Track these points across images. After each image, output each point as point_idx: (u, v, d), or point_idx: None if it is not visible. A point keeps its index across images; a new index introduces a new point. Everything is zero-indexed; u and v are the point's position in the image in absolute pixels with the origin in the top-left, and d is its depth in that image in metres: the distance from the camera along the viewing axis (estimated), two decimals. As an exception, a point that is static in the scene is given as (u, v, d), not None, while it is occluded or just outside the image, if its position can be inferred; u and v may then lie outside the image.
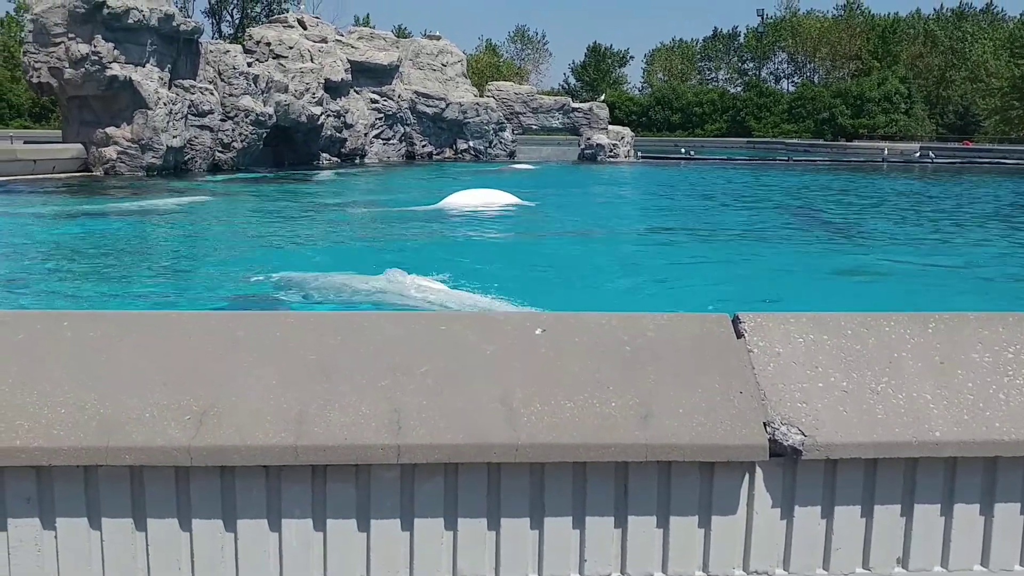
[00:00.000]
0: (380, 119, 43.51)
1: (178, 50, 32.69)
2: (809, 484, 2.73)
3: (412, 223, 20.24)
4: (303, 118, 37.12)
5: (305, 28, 41.96)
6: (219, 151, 33.76)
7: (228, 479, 2.62)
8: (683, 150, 54.28)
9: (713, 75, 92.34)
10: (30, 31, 30.50)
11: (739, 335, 2.94)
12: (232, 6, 70.65)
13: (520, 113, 49.34)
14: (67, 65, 29.51)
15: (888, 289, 13.14)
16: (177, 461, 2.55)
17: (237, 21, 69.53)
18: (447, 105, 45.77)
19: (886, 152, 53.08)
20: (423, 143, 45.82)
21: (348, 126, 40.89)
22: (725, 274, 14.16)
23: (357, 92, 42.06)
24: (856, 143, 65.22)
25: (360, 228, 20.13)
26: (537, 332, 2.92)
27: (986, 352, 2.90)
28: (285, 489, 2.63)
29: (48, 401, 2.64)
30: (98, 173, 30.37)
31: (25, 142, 33.83)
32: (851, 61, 79.75)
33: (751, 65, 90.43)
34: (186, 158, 32.46)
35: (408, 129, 45.14)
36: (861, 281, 13.84)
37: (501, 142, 47.63)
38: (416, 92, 45.16)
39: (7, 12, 65.64)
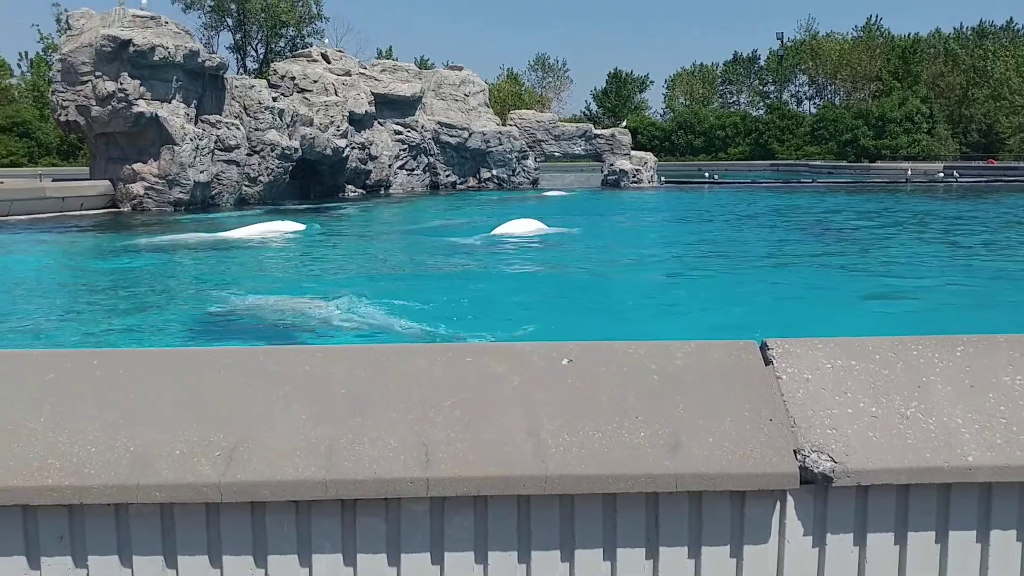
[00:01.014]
0: (404, 150, 43.83)
1: (204, 86, 33.14)
2: (841, 511, 2.70)
3: (471, 252, 20.47)
4: (328, 151, 37.47)
5: (329, 62, 42.45)
6: (246, 185, 34.12)
7: (258, 515, 2.63)
8: (707, 174, 54.23)
9: (735, 98, 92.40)
10: (58, 70, 31.09)
11: (767, 362, 2.92)
12: (256, 41, 71.61)
13: (542, 141, 49.54)
14: (94, 103, 30.01)
15: (915, 311, 13.02)
16: (207, 498, 2.57)
17: (261, 56, 70.44)
18: (470, 135, 46.05)
19: (909, 172, 52.79)
20: (447, 173, 46.08)
21: (373, 158, 41.21)
22: (753, 299, 14.09)
23: (381, 124, 42.43)
24: (879, 164, 64.89)
25: (442, 259, 20.15)
26: (564, 362, 2.92)
27: (1018, 374, 2.87)
28: (315, 524, 2.64)
29: (79, 439, 2.67)
30: (125, 209, 30.76)
31: (53, 179, 34.34)
32: (872, 82, 79.50)
33: (772, 88, 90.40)
34: (213, 193, 32.82)
35: (432, 159, 45.43)
36: (888, 304, 13.72)
37: (524, 170, 47.82)
38: (439, 122, 45.48)
39: (36, 53, 66.91)
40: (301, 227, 25.21)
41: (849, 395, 2.81)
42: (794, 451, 2.65)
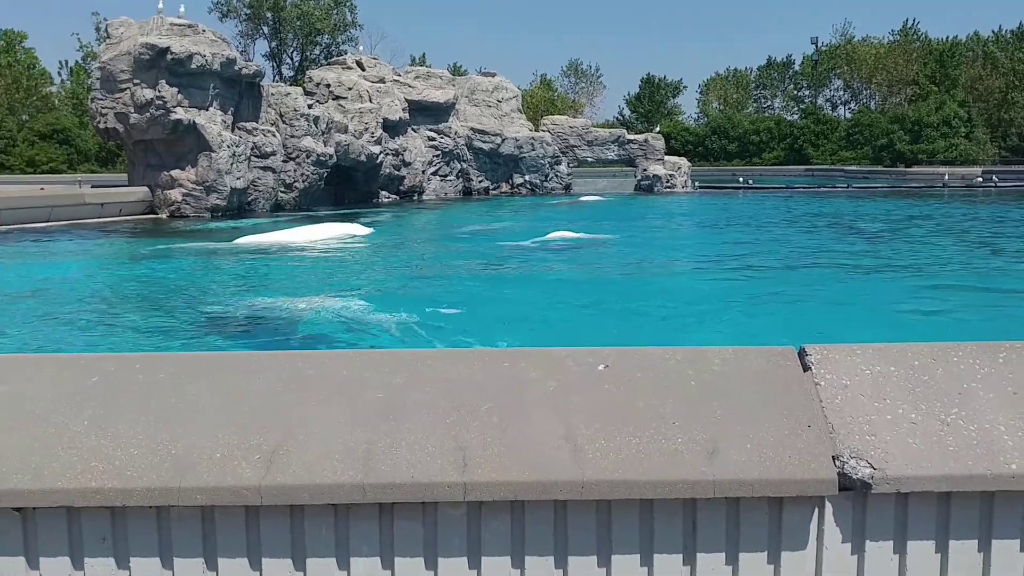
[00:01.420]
0: (437, 156, 44.01)
1: (240, 93, 33.49)
2: (880, 518, 2.67)
3: (522, 255, 20.62)
4: (363, 157, 37.71)
5: (363, 69, 42.74)
6: (281, 191, 34.42)
7: (297, 518, 2.65)
8: (741, 179, 53.88)
9: (769, 103, 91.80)
10: (97, 78, 31.55)
11: (805, 368, 2.91)
12: (292, 49, 72.30)
13: (575, 146, 49.53)
14: (132, 110, 30.42)
15: (954, 318, 12.85)
16: (247, 501, 2.60)
17: (297, 64, 71.10)
18: (503, 140, 46.14)
19: (947, 177, 52.11)
20: (479, 178, 46.21)
21: (406, 164, 41.42)
22: (790, 305, 13.99)
23: (414, 130, 42.64)
24: (915, 169, 64.14)
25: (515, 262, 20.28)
26: (600, 368, 2.92)
27: (1062, 382, 2.83)
28: (353, 527, 2.66)
29: (121, 442, 2.71)
30: (163, 215, 31.15)
31: (92, 186, 34.86)
32: (908, 86, 78.62)
33: (807, 92, 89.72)
34: (249, 199, 33.15)
35: (465, 165, 45.58)
36: (926, 310, 13.55)
37: (557, 175, 47.83)
38: (472, 128, 45.62)
39: (76, 61, 67.99)
40: (367, 231, 25.54)
41: (888, 401, 2.78)
42: (832, 457, 2.63)
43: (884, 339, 3.07)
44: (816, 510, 2.66)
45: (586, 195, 44.58)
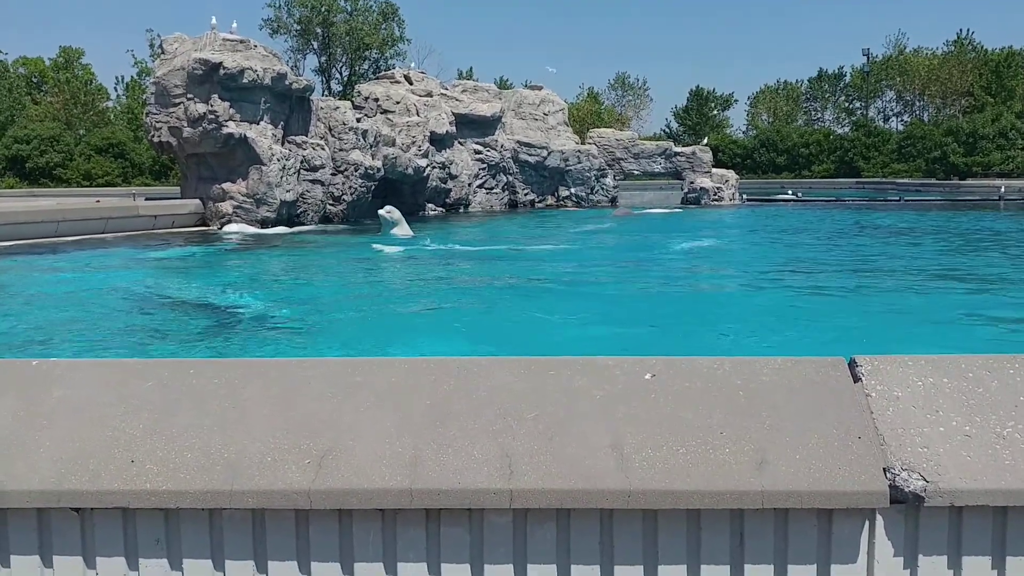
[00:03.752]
0: (483, 169, 44.18)
1: (291, 107, 33.95)
2: (933, 532, 2.63)
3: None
4: (410, 170, 37.99)
5: (411, 83, 43.10)
6: (330, 204, 34.78)
7: (346, 522, 2.69)
8: (789, 192, 53.32)
9: (819, 115, 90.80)
10: (152, 93, 32.18)
11: (856, 379, 2.88)
12: (341, 64, 73.14)
13: (621, 159, 49.41)
14: (186, 124, 30.98)
15: (1011, 330, 12.59)
16: (297, 504, 2.63)
17: (346, 78, 71.89)
18: (549, 153, 46.18)
19: (1003, 190, 50.99)
20: (525, 191, 46.29)
21: (453, 176, 41.65)
22: (841, 316, 13.80)
23: (461, 143, 42.87)
24: (970, 181, 62.96)
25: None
26: (647, 377, 2.92)
27: (1123, 396, 2.77)
28: (400, 532, 2.68)
29: (175, 446, 2.77)
30: (214, 227, 31.65)
31: (146, 199, 35.54)
32: (963, 97, 77.30)
33: (858, 104, 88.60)
34: (298, 211, 33.54)
35: (510, 178, 45.70)
36: (981, 322, 13.29)
37: (603, 188, 47.74)
38: (518, 141, 45.74)
39: (131, 77, 69.43)
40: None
41: (941, 413, 2.74)
42: (884, 469, 2.59)
43: (937, 351, 3.03)
44: (867, 523, 2.63)
45: (648, 208, 44.32)
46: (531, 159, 45.95)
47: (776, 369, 2.92)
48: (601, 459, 2.65)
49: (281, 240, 28.28)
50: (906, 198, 51.45)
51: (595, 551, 2.66)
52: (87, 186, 52.66)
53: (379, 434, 2.74)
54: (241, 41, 32.80)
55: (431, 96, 42.37)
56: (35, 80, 70.30)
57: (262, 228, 31.28)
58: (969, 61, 77.81)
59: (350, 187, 35.17)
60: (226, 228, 30.88)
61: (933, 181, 65.69)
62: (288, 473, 2.65)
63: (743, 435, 2.69)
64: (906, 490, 2.55)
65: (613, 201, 47.65)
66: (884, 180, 68.81)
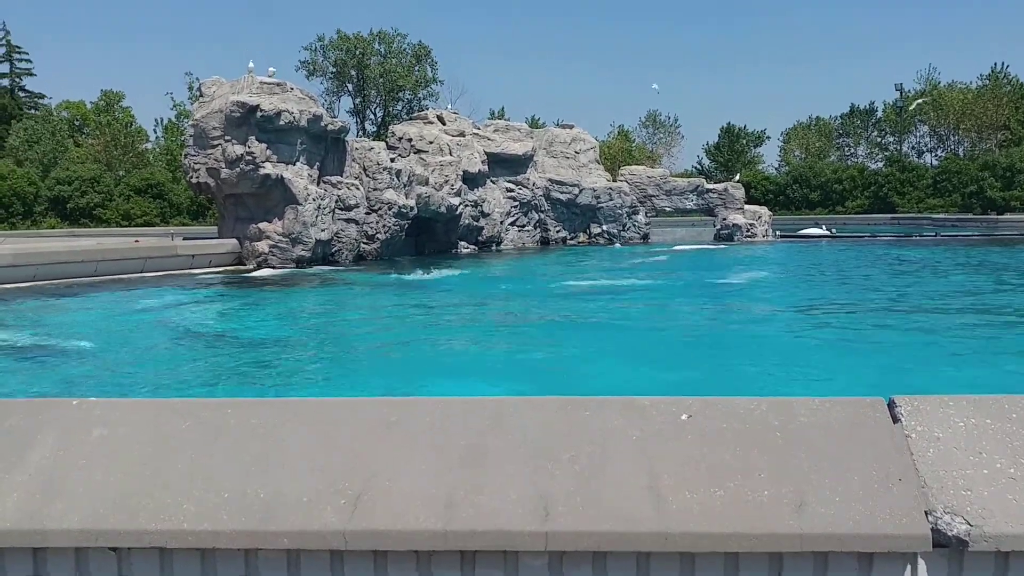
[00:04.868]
0: (515, 207, 44.40)
1: (326, 148, 34.39)
2: (979, 578, 2.57)
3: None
4: (443, 209, 38.26)
5: (444, 123, 43.53)
6: (364, 243, 35.07)
7: (380, 563, 2.68)
8: (823, 228, 53.00)
9: (852, 151, 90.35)
10: (191, 135, 32.78)
11: (895, 419, 2.84)
12: (375, 105, 74.11)
13: (653, 196, 49.45)
14: (223, 165, 31.47)
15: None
16: (332, 545, 2.63)
17: (380, 119, 72.78)
18: (580, 191, 46.33)
19: (1042, 224, 50.35)
20: (557, 228, 46.40)
21: (485, 215, 41.87)
22: (880, 356, 13.63)
23: (493, 182, 43.14)
24: (1008, 216, 62.21)
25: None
26: (684, 417, 2.90)
27: None
28: (435, 574, 2.67)
29: (212, 486, 2.78)
30: (250, 266, 31.99)
31: (184, 238, 36.05)
32: (999, 131, 76.63)
33: (891, 140, 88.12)
34: (333, 250, 33.85)
35: (542, 216, 45.85)
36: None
37: (635, 225, 47.74)
38: (550, 179, 45.94)
39: (169, 119, 70.75)
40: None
41: (984, 455, 2.70)
42: (925, 512, 2.55)
43: (979, 391, 2.98)
44: (908, 567, 2.58)
45: (680, 244, 44.19)
46: (563, 197, 46.10)
47: (814, 410, 2.88)
48: (637, 501, 2.63)
49: (318, 279, 28.49)
50: (942, 233, 50.89)
51: (632, 594, 2.63)
52: (126, 226, 53.55)
53: (414, 474, 2.74)
54: (278, 84, 33.36)
55: (463, 136, 42.74)
56: (77, 123, 71.84)
57: (297, 267, 31.57)
58: (1004, 95, 77.19)
59: (384, 226, 35.47)
60: (259, 273, 31.13)
61: (970, 216, 64.99)
62: (324, 514, 2.65)
63: (781, 477, 2.66)
64: (949, 534, 2.50)
65: (645, 238, 47.61)
66: (920, 216, 68.15)
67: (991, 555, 2.54)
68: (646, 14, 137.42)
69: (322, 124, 33.52)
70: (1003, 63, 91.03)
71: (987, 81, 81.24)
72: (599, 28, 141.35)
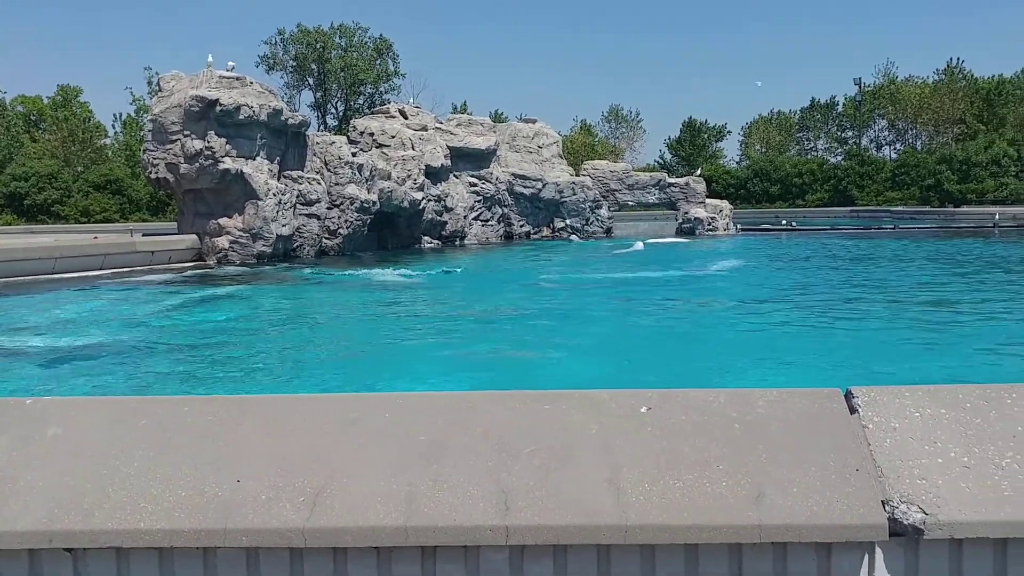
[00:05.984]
0: (479, 201, 44.34)
1: (286, 142, 34.10)
2: (933, 565, 2.61)
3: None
4: (405, 203, 38.11)
5: (406, 117, 43.34)
6: (326, 238, 34.85)
7: (340, 560, 2.66)
8: (784, 221, 53.51)
9: (812, 145, 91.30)
10: (149, 130, 32.35)
11: (852, 410, 2.87)
12: (336, 99, 73.59)
13: (616, 190, 49.63)
14: (183, 160, 31.09)
15: (1009, 358, 12.58)
16: (291, 542, 2.61)
17: (341, 113, 72.30)
18: (544, 185, 46.38)
19: (997, 217, 51.20)
20: (520, 223, 46.41)
21: (448, 209, 41.77)
22: (835, 348, 13.79)
23: (456, 176, 43.05)
24: (964, 209, 63.26)
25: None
26: (643, 410, 2.90)
27: (1120, 424, 2.76)
28: (396, 570, 2.65)
29: (170, 484, 2.74)
30: (211, 263, 31.66)
31: (143, 234, 35.58)
32: (955, 125, 77.82)
33: (851, 134, 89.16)
34: (294, 245, 33.59)
35: (506, 210, 45.84)
36: (977, 352, 13.29)
37: (598, 219, 47.89)
38: (513, 174, 45.94)
39: (128, 114, 69.75)
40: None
41: (939, 444, 2.73)
42: (882, 502, 2.58)
43: (934, 381, 3.02)
44: (866, 556, 2.61)
45: (640, 239, 44.27)
46: (526, 191, 46.12)
47: (772, 401, 2.91)
48: (598, 494, 2.63)
49: (278, 275, 28.26)
50: (901, 226, 51.62)
51: (593, 587, 2.63)
52: (85, 222, 52.80)
53: (374, 471, 2.72)
54: (237, 78, 33.01)
55: (426, 130, 42.59)
56: (33, 118, 70.65)
57: (258, 262, 31.30)
58: (960, 89, 78.42)
59: (346, 221, 35.26)
60: (219, 268, 30.82)
61: (928, 208, 65.99)
62: (283, 511, 2.63)
63: (740, 468, 2.68)
64: (905, 523, 2.54)
65: (608, 232, 47.80)
66: (879, 208, 69.11)
67: (946, 542, 2.58)
68: (610, 15, 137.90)
69: (282, 118, 33.23)
70: (958, 58, 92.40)
71: (943, 76, 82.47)
72: (561, 24, 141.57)
